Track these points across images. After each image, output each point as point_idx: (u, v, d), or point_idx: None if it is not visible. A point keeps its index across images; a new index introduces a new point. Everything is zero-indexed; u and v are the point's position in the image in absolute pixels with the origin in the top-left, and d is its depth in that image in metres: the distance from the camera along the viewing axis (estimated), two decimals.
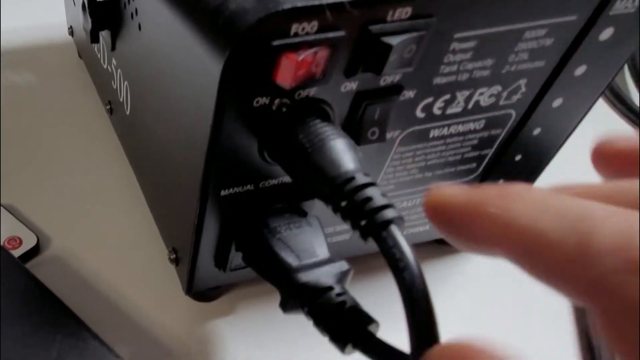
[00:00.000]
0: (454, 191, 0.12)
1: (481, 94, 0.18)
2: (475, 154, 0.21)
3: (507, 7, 0.15)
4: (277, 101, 0.15)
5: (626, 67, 0.38)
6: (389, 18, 0.14)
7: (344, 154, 0.15)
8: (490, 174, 0.22)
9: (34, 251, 0.25)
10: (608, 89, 0.37)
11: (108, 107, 0.30)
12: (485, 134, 0.20)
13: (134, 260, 0.26)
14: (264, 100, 0.15)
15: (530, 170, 0.22)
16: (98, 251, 0.26)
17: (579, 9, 0.16)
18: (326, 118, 0.16)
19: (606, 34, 0.17)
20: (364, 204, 0.14)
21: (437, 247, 0.27)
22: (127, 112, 0.26)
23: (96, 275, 0.25)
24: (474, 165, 0.21)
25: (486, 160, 0.21)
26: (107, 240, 0.26)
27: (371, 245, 0.23)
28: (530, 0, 0.15)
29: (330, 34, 0.13)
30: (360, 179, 0.14)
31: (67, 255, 0.26)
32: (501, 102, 0.19)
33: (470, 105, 0.18)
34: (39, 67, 0.37)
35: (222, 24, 0.14)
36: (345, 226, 0.22)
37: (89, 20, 0.24)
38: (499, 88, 0.18)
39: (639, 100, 0.36)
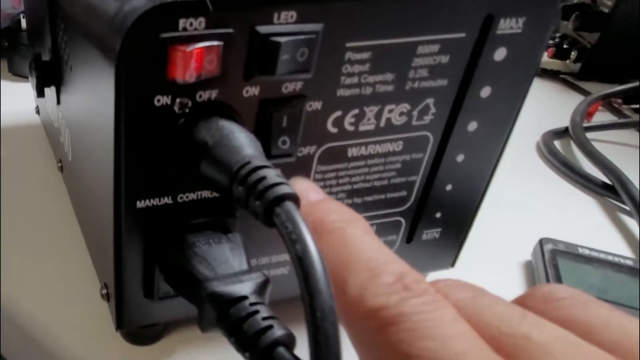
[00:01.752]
0: (302, 193, 0.15)
1: (390, 111, 0.19)
2: (402, 180, 0.21)
3: (394, 18, 0.17)
4: (178, 101, 0.16)
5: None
6: (275, 20, 0.16)
7: (243, 144, 0.15)
8: (425, 205, 0.22)
9: None
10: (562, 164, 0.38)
11: (59, 164, 0.32)
12: (407, 157, 0.21)
13: (72, 303, 0.25)
14: (165, 99, 0.16)
15: (464, 202, 0.23)
16: (35, 296, 0.25)
17: (465, 26, 0.18)
18: (232, 121, 0.17)
19: (500, 54, 0.19)
20: (257, 184, 0.14)
21: None
22: (70, 160, 0.28)
23: (33, 323, 0.24)
24: (404, 193, 0.22)
25: (415, 188, 0.22)
26: (46, 287, 0.26)
27: None
28: (416, 13, 0.17)
29: (218, 30, 0.15)
30: (256, 162, 0.15)
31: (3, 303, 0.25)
32: (414, 122, 0.20)
33: (382, 123, 0.19)
34: (8, 144, 0.40)
35: (116, 25, 0.15)
36: (283, 257, 0.22)
37: (35, 77, 0.27)
38: (407, 106, 0.19)
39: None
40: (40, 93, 0.29)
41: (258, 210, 0.14)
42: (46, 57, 0.29)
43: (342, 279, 0.13)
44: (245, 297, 0.16)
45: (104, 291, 0.22)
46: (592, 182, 0.36)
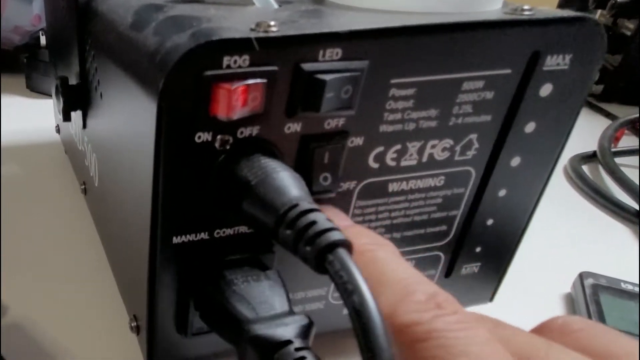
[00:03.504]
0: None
1: (433, 146, 0.19)
2: (443, 214, 0.20)
3: (440, 55, 0.17)
4: (219, 137, 0.16)
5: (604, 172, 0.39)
6: (320, 58, 0.15)
7: (288, 184, 0.15)
8: (464, 240, 0.21)
9: None
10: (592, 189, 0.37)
11: (83, 187, 0.31)
12: (448, 192, 0.20)
13: (98, 332, 0.25)
14: (206, 136, 0.15)
15: (505, 237, 0.22)
16: (60, 323, 0.25)
17: (511, 62, 0.17)
18: (273, 158, 0.16)
19: (545, 89, 0.18)
20: (307, 229, 0.14)
21: None
22: (96, 184, 0.27)
23: (56, 346, 0.24)
24: (444, 227, 0.21)
25: (456, 222, 0.21)
26: (70, 312, 0.26)
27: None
28: (461, 50, 0.17)
29: (263, 68, 0.15)
30: (304, 205, 0.14)
31: (25, 324, 0.25)
32: (456, 158, 0.19)
33: (424, 159, 0.19)
34: (28, 162, 0.40)
35: (158, 61, 0.15)
36: (318, 292, 0.21)
37: (61, 101, 0.27)
38: (450, 142, 0.19)
39: None
40: (66, 117, 0.29)
41: (308, 256, 0.13)
42: (73, 80, 0.29)
43: (374, 297, 0.12)
44: (290, 342, 0.15)
45: (134, 324, 0.21)
46: (625, 210, 0.35)
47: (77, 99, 0.28)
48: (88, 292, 0.27)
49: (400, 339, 0.12)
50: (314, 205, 0.14)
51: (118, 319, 0.25)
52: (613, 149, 0.42)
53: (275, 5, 0.19)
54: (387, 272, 0.13)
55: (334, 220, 0.14)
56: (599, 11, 0.59)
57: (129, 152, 0.19)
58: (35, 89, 0.54)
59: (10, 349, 0.23)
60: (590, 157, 0.42)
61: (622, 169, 0.39)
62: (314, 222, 0.13)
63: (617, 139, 0.45)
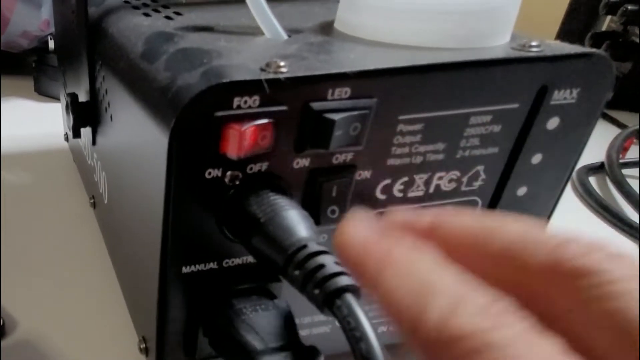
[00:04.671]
0: (355, 233, 0.13)
1: (440, 178, 0.19)
2: None
3: (447, 92, 0.17)
4: (229, 174, 0.16)
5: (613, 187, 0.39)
6: (329, 97, 0.15)
7: (297, 223, 0.15)
8: None
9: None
10: (604, 209, 0.37)
11: (92, 200, 0.32)
12: None
13: (106, 350, 0.25)
14: (216, 172, 0.16)
15: None
16: (68, 339, 0.25)
17: (518, 97, 0.17)
18: (282, 193, 0.16)
19: (553, 123, 0.18)
20: (315, 272, 0.14)
21: None
22: (105, 202, 0.28)
23: None
24: None
25: None
26: (79, 329, 0.26)
27: None
28: (469, 87, 0.17)
29: (273, 108, 0.15)
30: (313, 246, 0.15)
31: (34, 340, 0.25)
32: (463, 188, 0.19)
33: (431, 189, 0.19)
34: (36, 168, 0.41)
35: (170, 99, 0.15)
36: (324, 316, 0.22)
37: (71, 118, 0.27)
38: (457, 173, 0.19)
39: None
40: (76, 134, 0.29)
41: (316, 298, 0.14)
42: (82, 97, 0.29)
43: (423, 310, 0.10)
44: None
45: (143, 345, 0.22)
46: (629, 226, 0.35)
47: (87, 117, 0.28)
48: (97, 308, 0.27)
49: (452, 352, 0.10)
50: (322, 247, 0.14)
51: (127, 338, 0.25)
52: (621, 160, 0.42)
53: (285, 36, 0.19)
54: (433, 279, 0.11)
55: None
56: (609, 17, 0.58)
57: (140, 182, 0.19)
58: (43, 93, 0.54)
59: None
60: (598, 168, 0.42)
61: (630, 180, 0.39)
62: (322, 266, 0.14)
63: (626, 150, 0.45)
